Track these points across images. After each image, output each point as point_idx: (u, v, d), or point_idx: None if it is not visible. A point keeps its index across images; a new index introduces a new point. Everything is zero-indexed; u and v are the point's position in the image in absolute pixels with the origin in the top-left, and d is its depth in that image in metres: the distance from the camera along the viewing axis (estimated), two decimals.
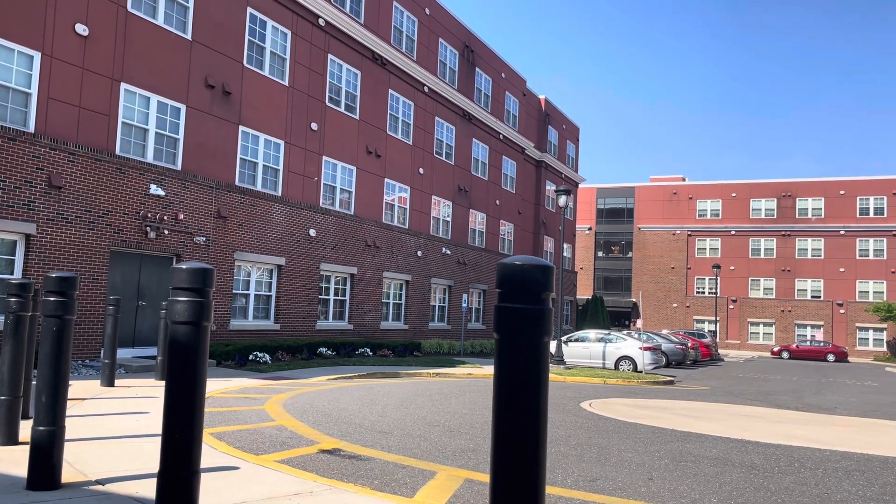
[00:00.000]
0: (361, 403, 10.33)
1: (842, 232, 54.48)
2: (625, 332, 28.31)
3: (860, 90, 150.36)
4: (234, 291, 18.10)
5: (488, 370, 18.49)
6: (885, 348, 51.93)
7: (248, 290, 18.70)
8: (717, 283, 49.52)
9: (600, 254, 63.64)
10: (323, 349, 19.03)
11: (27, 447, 4.90)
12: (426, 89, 27.09)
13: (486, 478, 5.78)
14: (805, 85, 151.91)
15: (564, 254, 42.91)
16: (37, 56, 13.52)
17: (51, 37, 13.73)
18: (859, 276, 53.87)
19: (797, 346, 46.98)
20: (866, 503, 5.73)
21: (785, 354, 46.44)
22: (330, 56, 21.82)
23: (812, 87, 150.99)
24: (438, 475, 5.85)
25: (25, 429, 5.84)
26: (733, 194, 58.53)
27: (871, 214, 53.95)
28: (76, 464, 5.28)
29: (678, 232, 59.86)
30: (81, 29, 14.26)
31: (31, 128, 13.40)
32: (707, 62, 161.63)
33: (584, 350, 23.64)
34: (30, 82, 13.43)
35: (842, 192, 54.93)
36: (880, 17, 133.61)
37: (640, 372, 21.63)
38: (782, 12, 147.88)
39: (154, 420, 7.59)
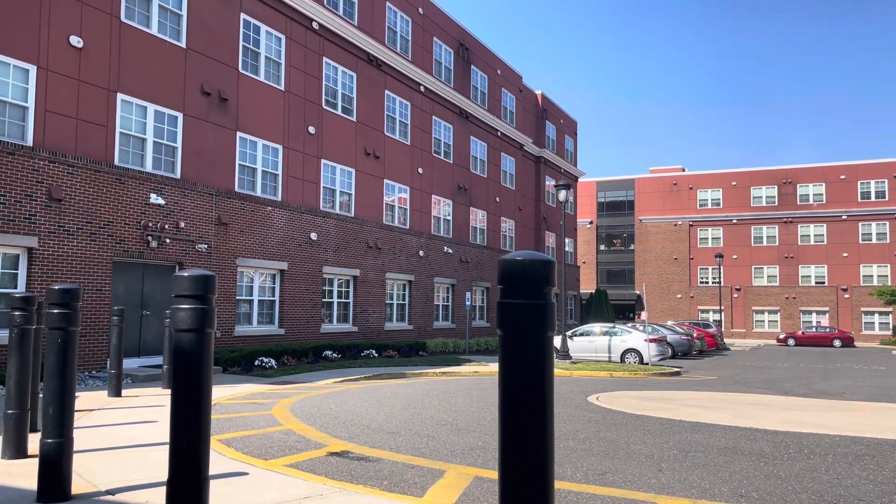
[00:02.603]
0: (369, 405, 10.34)
1: (844, 217, 54.36)
2: (629, 324, 28.28)
3: (857, 74, 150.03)
4: (237, 297, 18.10)
5: (494, 368, 18.49)
6: (891, 332, 51.81)
7: (251, 295, 18.71)
8: (720, 273, 49.44)
9: (602, 247, 63.58)
10: (328, 352, 19.05)
11: (36, 460, 4.91)
12: (422, 89, 27.07)
13: (495, 475, 5.78)
14: (800, 72, 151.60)
15: (566, 248, 42.88)
16: (32, 69, 13.53)
17: (46, 50, 13.75)
18: (863, 260, 53.75)
19: (803, 333, 46.88)
20: (877, 487, 5.72)
21: (791, 341, 46.35)
22: (325, 59, 21.81)
23: (807, 73, 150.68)
24: (448, 474, 5.85)
25: (34, 442, 5.85)
26: (733, 183, 58.43)
27: (873, 198, 53.81)
28: (85, 475, 5.29)
29: (679, 222, 59.78)
30: (76, 41, 14.27)
31: (30, 141, 13.41)
32: (701, 53, 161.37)
33: (589, 344, 23.61)
34: (26, 96, 13.44)
35: (842, 176, 54.80)
36: (875, 6, 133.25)
37: (646, 364, 21.61)
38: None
39: (162, 429, 7.60)
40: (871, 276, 53.41)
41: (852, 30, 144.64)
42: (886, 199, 53.28)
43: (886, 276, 52.83)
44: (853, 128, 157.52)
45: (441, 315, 28.27)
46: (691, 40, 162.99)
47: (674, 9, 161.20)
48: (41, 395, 5.25)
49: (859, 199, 54.19)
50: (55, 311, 4.52)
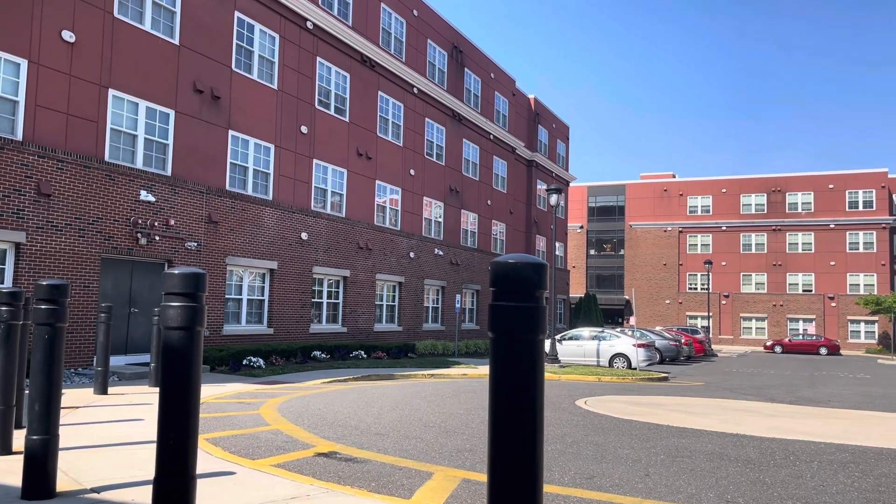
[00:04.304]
0: (357, 406, 10.31)
1: (832, 226, 54.80)
2: (618, 329, 28.37)
3: (851, 83, 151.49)
4: (226, 296, 18.02)
5: (483, 370, 18.50)
6: (876, 341, 52.25)
7: (240, 294, 18.63)
8: (709, 279, 49.70)
9: (592, 252, 63.76)
10: (317, 352, 18.98)
11: (21, 457, 4.87)
12: (415, 90, 27.08)
13: (483, 477, 5.78)
14: (792, 82, 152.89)
15: (557, 252, 42.94)
16: (23, 63, 13.43)
17: (37, 44, 13.65)
18: (850, 269, 54.19)
19: (790, 341, 47.19)
20: (861, 495, 5.76)
21: (778, 349, 46.65)
22: (318, 59, 21.78)
23: (800, 82, 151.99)
24: (435, 476, 5.85)
25: (19, 438, 5.80)
26: (724, 190, 58.78)
27: (861, 208, 54.29)
28: (71, 472, 5.24)
29: (669, 229, 60.07)
30: (68, 36, 14.18)
31: (19, 136, 13.31)
32: (694, 60, 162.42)
33: (578, 348, 23.67)
34: (17, 90, 13.34)
35: (831, 185, 55.25)
36: (867, 10, 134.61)
37: (635, 369, 21.69)
38: (775, 7, 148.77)
39: (148, 427, 7.56)
40: (858, 284, 53.86)
41: (847, 37, 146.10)
42: (874, 208, 53.76)
43: (873, 284, 53.28)
44: (843, 137, 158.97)
45: (431, 317, 28.26)
46: (684, 47, 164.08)
47: (668, 15, 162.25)
48: (27, 392, 5.21)
49: (847, 209, 54.66)
50: (42, 306, 4.49)
